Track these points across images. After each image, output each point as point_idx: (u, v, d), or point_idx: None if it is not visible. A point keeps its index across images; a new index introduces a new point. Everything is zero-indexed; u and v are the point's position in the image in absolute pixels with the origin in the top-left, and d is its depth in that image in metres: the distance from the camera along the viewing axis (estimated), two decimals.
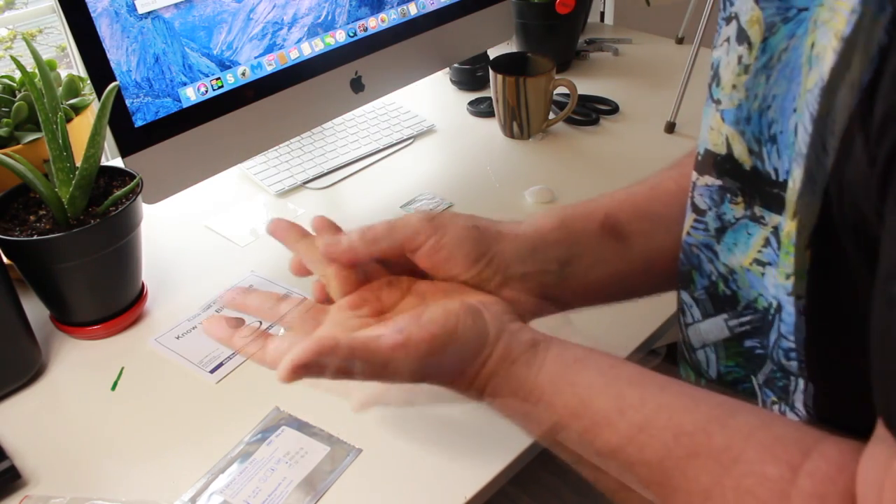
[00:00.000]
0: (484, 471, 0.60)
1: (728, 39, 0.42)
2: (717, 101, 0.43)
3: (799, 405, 0.39)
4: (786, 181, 0.39)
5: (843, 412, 0.38)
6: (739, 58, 0.41)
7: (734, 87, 0.42)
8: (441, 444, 0.62)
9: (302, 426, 0.64)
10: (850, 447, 0.34)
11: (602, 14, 1.46)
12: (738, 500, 0.34)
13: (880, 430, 0.32)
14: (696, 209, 0.46)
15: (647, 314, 0.73)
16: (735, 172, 0.43)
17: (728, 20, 0.42)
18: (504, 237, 0.48)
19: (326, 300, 0.49)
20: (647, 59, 1.28)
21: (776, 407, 0.41)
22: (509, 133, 1.07)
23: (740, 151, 0.42)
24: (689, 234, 0.48)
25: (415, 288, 0.48)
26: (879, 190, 0.30)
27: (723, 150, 0.43)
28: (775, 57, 0.39)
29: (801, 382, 0.39)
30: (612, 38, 1.34)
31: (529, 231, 0.49)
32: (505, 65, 1.06)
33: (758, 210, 0.41)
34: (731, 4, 0.42)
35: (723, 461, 0.35)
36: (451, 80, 1.23)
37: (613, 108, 1.12)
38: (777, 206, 0.40)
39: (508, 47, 1.24)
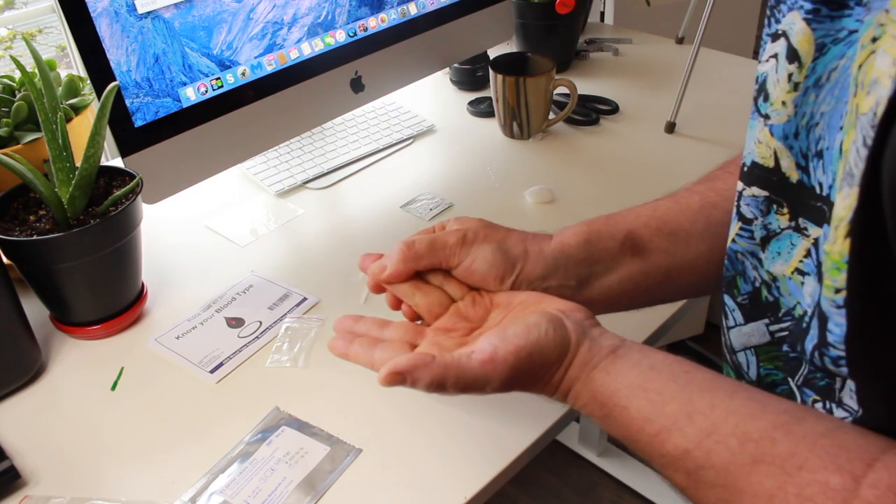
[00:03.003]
0: (484, 471, 0.60)
1: (776, 56, 0.43)
2: (766, 116, 0.45)
3: (849, 401, 0.40)
4: (829, 196, 0.40)
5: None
6: (790, 75, 0.42)
7: (783, 103, 0.43)
8: (441, 444, 0.62)
9: (302, 426, 0.64)
10: None
11: (602, 14, 1.46)
12: None
13: None
14: (742, 218, 0.48)
15: (647, 314, 0.72)
16: (781, 185, 0.44)
17: (774, 37, 0.44)
18: (529, 257, 0.52)
19: (416, 318, 0.54)
20: (647, 59, 1.28)
21: (819, 405, 0.43)
22: (509, 133, 1.07)
23: (787, 165, 0.44)
24: (734, 241, 0.49)
25: (496, 301, 0.52)
26: None
27: (770, 164, 0.45)
28: (824, 76, 0.41)
29: (851, 382, 0.40)
30: (612, 38, 1.34)
31: (554, 249, 0.53)
32: (505, 65, 1.06)
33: (801, 222, 0.43)
34: (778, 22, 0.43)
35: (787, 468, 0.37)
36: (451, 80, 1.23)
37: (613, 108, 1.12)
38: (819, 219, 0.41)
39: (508, 47, 1.24)
